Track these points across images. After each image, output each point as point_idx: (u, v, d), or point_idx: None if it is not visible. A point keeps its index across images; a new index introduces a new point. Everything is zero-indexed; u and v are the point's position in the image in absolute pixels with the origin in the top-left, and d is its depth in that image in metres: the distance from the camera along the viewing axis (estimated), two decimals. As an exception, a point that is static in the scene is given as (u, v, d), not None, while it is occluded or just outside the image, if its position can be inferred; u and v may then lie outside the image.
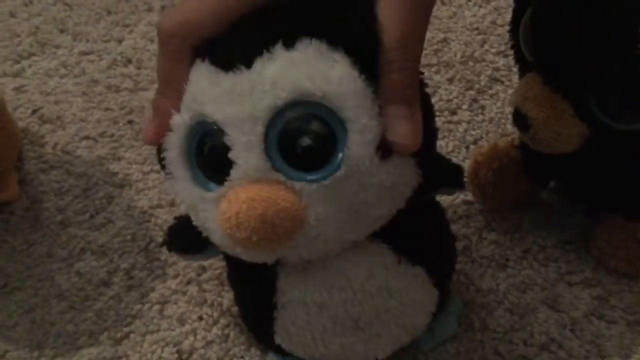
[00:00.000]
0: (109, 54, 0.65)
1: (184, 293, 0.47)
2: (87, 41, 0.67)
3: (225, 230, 0.28)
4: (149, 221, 0.51)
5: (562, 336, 0.43)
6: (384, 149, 0.29)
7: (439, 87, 0.59)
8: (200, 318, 0.45)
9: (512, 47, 0.43)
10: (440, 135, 0.51)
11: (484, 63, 0.61)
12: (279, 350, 0.39)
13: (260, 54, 0.28)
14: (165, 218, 0.51)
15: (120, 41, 0.67)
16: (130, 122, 0.59)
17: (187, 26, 0.29)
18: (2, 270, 0.49)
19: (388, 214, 0.32)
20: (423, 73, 0.32)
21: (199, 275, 0.47)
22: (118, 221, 0.51)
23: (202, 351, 0.43)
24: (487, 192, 0.48)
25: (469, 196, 0.50)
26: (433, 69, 0.61)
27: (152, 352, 0.44)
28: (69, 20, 0.70)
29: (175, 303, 0.46)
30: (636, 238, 0.44)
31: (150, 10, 0.70)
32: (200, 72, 0.29)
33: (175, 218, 0.39)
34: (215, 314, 0.45)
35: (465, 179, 0.41)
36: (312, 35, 0.28)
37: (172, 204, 0.52)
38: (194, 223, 0.32)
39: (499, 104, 0.58)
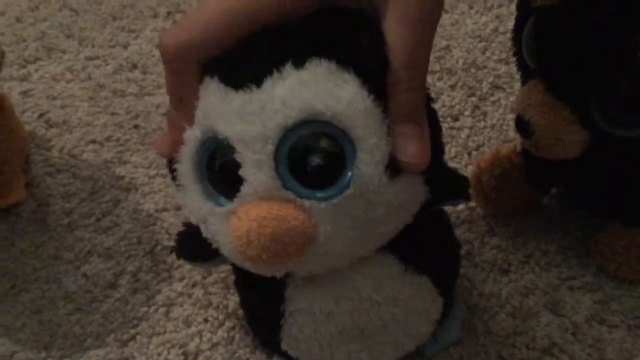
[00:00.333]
0: (115, 59, 0.66)
1: (190, 296, 0.47)
2: (93, 46, 0.68)
3: (235, 247, 0.29)
4: (155, 224, 0.52)
5: (563, 340, 0.43)
6: (393, 168, 0.29)
7: (442, 94, 0.60)
8: (206, 320, 0.46)
9: (514, 55, 0.43)
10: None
11: (485, 70, 0.62)
12: (285, 355, 0.39)
13: (270, 73, 0.28)
14: (171, 221, 0.52)
15: (125, 46, 0.68)
16: (136, 126, 0.59)
17: (192, 46, 0.29)
18: (10, 272, 0.49)
19: (396, 230, 0.32)
20: (429, 89, 0.32)
21: (204, 278, 0.48)
22: (124, 224, 0.52)
23: (207, 353, 0.44)
24: (490, 197, 0.49)
25: (471, 201, 0.51)
26: (436, 76, 0.62)
27: (159, 354, 0.44)
28: (75, 25, 0.71)
29: (181, 305, 0.47)
30: (637, 243, 0.45)
31: (155, 16, 0.71)
32: (209, 89, 0.29)
33: (184, 224, 0.39)
34: (221, 317, 0.46)
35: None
36: (322, 55, 0.28)
37: (178, 207, 0.53)
38: (203, 235, 0.32)
39: (500, 110, 0.58)
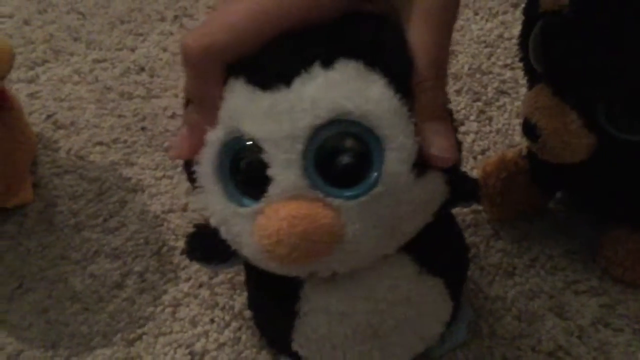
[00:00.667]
0: (122, 62, 0.67)
1: (196, 296, 0.47)
2: (101, 49, 0.68)
3: (263, 246, 0.29)
4: (162, 225, 0.52)
5: (569, 343, 0.44)
6: (419, 166, 0.29)
7: (447, 99, 0.60)
8: (212, 321, 0.46)
9: (521, 59, 0.44)
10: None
11: (491, 75, 0.62)
12: (293, 356, 0.39)
13: (299, 73, 0.28)
14: (178, 223, 0.52)
15: (133, 50, 0.68)
16: (143, 128, 0.60)
17: (216, 49, 0.29)
18: (17, 271, 0.49)
19: (418, 229, 0.32)
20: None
21: (210, 278, 0.48)
22: (131, 225, 0.52)
23: (214, 353, 0.44)
24: (495, 201, 0.49)
25: (477, 205, 0.51)
26: (441, 81, 0.62)
27: (165, 354, 0.44)
28: (82, 28, 0.71)
29: (188, 306, 0.47)
30: (642, 247, 0.45)
31: (163, 19, 0.71)
32: (235, 90, 0.29)
33: (195, 226, 0.39)
34: (227, 317, 0.46)
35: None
36: (349, 56, 0.28)
37: (185, 208, 0.53)
38: (222, 236, 0.32)
39: (506, 115, 0.59)
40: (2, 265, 0.50)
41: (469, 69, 0.63)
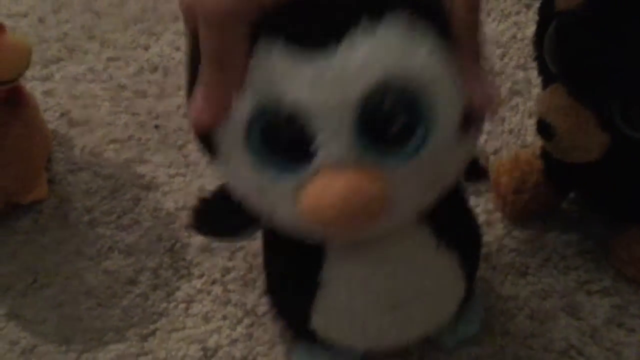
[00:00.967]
0: (136, 61, 0.67)
1: (209, 293, 0.48)
2: (115, 48, 0.69)
3: (313, 215, 0.28)
4: (175, 222, 0.52)
5: (581, 343, 0.44)
6: (464, 124, 0.29)
7: (460, 99, 0.60)
8: (225, 317, 0.46)
9: (535, 59, 0.44)
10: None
11: (503, 76, 0.62)
12: (309, 337, 0.39)
13: (347, 31, 0.26)
14: (191, 220, 0.52)
15: (146, 49, 0.68)
16: (156, 126, 0.60)
17: (243, 5, 0.26)
18: (32, 267, 0.50)
19: (445, 191, 0.32)
20: None
21: (223, 276, 0.48)
22: (144, 222, 0.52)
23: (226, 349, 0.44)
24: (508, 200, 0.49)
25: (490, 204, 0.51)
26: (454, 81, 0.62)
27: (178, 349, 0.45)
28: (97, 27, 0.71)
29: (200, 302, 0.47)
30: (656, 248, 0.45)
31: (176, 19, 0.72)
32: (271, 51, 0.27)
33: (200, 200, 0.38)
34: (240, 314, 0.46)
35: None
36: (393, 6, 0.27)
37: (198, 206, 0.53)
38: (255, 207, 0.31)
39: (518, 116, 0.59)
40: (17, 260, 0.50)
41: (482, 69, 0.63)
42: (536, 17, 0.42)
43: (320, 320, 0.37)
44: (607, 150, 0.40)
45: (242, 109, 0.27)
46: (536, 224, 0.50)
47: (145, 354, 0.45)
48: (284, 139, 0.28)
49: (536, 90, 0.59)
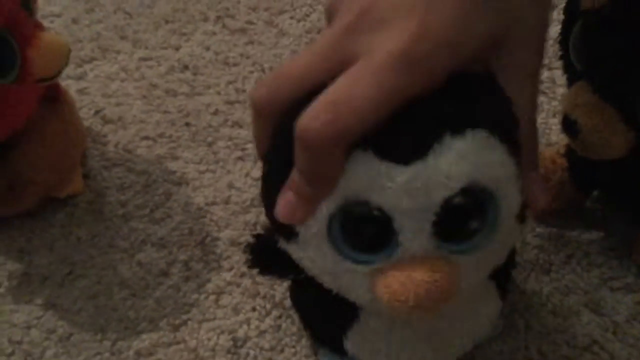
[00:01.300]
0: (167, 61, 0.69)
1: (238, 285, 0.49)
2: (146, 48, 0.70)
3: (395, 302, 0.30)
4: (205, 217, 0.54)
5: (604, 339, 0.44)
6: (522, 214, 0.32)
7: (485, 98, 0.61)
8: (254, 309, 0.47)
9: (560, 57, 0.44)
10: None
11: (528, 76, 0.63)
12: (339, 352, 0.40)
13: (432, 145, 0.28)
14: (221, 215, 0.54)
15: (177, 48, 0.70)
16: (187, 124, 0.61)
17: (346, 134, 0.28)
18: (68, 258, 0.52)
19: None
20: None
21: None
22: (176, 216, 0.54)
23: (255, 340, 0.46)
24: (532, 198, 0.50)
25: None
26: (479, 81, 0.63)
27: (209, 339, 0.46)
28: (128, 27, 0.73)
29: (230, 294, 0.48)
30: (679, 245, 0.45)
31: (206, 20, 0.73)
32: (359, 161, 0.29)
33: (254, 237, 0.40)
34: (268, 306, 0.47)
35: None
36: (473, 122, 0.29)
37: (227, 201, 0.55)
38: (328, 285, 0.34)
39: (543, 115, 0.59)
40: (53, 252, 0.52)
41: (507, 69, 0.64)
42: (561, 17, 0.43)
43: (354, 346, 0.39)
44: (631, 147, 0.40)
45: (327, 206, 0.30)
46: (560, 221, 0.51)
47: (177, 343, 0.46)
48: (365, 235, 0.30)
49: (560, 90, 0.60)
